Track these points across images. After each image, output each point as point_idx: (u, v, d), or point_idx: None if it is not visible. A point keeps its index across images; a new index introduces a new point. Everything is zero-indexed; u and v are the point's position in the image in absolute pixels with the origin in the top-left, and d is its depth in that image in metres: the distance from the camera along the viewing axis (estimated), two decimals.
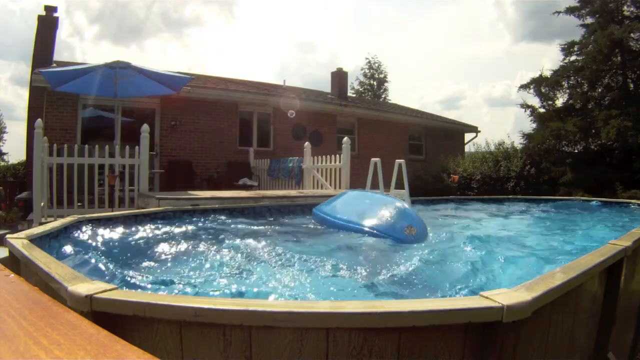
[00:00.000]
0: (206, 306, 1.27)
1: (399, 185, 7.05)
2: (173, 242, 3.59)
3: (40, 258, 1.83)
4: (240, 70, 68.41)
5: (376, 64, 33.12)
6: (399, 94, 54.01)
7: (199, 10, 51.46)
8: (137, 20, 48.66)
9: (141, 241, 3.79)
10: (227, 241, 3.66)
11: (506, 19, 49.97)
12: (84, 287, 1.39)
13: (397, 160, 7.02)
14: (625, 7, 14.60)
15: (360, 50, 69.46)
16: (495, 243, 3.82)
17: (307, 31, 58.44)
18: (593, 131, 13.81)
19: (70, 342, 0.68)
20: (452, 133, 19.38)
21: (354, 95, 27.92)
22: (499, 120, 55.51)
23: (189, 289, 2.31)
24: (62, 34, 44.27)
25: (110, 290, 1.38)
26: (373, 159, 7.28)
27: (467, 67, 59.88)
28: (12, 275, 1.20)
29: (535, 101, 15.85)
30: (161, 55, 49.57)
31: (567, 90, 15.52)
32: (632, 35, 13.89)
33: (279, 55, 57.87)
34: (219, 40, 56.52)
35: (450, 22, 55.04)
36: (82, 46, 48.04)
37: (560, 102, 15.69)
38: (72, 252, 2.90)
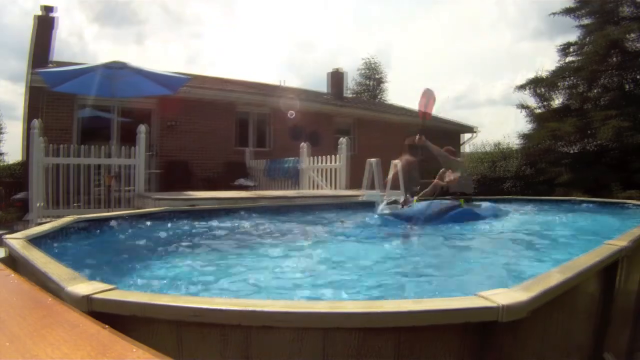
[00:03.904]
0: (204, 306, 1.27)
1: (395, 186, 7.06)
2: (170, 243, 3.59)
3: (38, 258, 1.82)
4: (239, 71, 68.14)
5: (374, 65, 33.15)
6: (399, 94, 54.03)
7: (199, 10, 51.45)
8: (137, 20, 48.66)
9: (138, 241, 3.78)
10: (223, 242, 3.66)
11: (507, 19, 50.04)
12: (82, 287, 1.39)
13: (393, 161, 7.03)
14: (622, 8, 14.64)
15: (359, 50, 69.37)
16: (495, 242, 3.83)
17: (306, 31, 58.34)
18: (590, 132, 13.84)
19: (72, 341, 0.69)
20: (450, 133, 19.37)
21: (352, 96, 27.92)
22: (500, 120, 55.60)
23: (187, 289, 2.31)
24: (62, 33, 44.11)
25: (108, 290, 1.38)
26: (369, 159, 7.29)
27: (467, 67, 59.94)
28: (13, 274, 1.20)
29: (533, 102, 15.90)
30: (161, 55, 49.40)
31: (564, 91, 15.56)
32: (629, 36, 13.94)
33: (279, 55, 57.70)
34: (219, 40, 56.46)
35: (450, 22, 55.14)
36: (81, 46, 47.92)
37: (557, 102, 15.74)
38: (70, 252, 2.89)
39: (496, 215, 5.29)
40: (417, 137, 5.47)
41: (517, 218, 5.52)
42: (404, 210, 4.92)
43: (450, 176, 5.51)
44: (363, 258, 3.21)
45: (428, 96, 5.46)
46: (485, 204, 5.46)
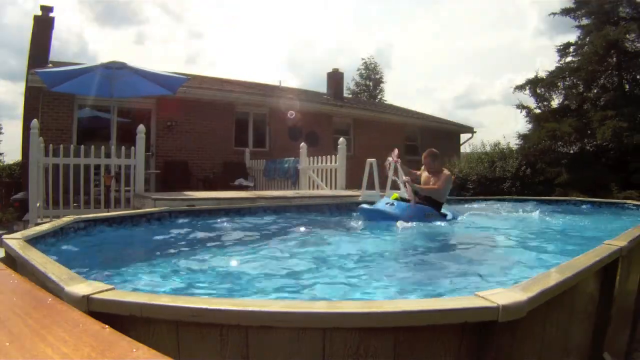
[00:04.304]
0: (203, 306, 1.27)
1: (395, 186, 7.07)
2: (169, 243, 3.59)
3: (37, 258, 1.82)
4: (239, 70, 68.11)
5: (372, 65, 33.15)
6: (399, 94, 54.04)
7: (199, 10, 51.56)
8: (138, 20, 48.75)
9: (137, 241, 3.79)
10: (222, 241, 3.66)
11: (507, 18, 50.00)
12: (81, 287, 1.39)
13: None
14: (621, 9, 14.63)
15: (359, 50, 69.29)
16: (493, 242, 3.84)
17: (306, 31, 58.33)
18: (589, 132, 13.83)
19: (76, 338, 0.69)
20: (448, 133, 19.40)
21: (350, 96, 27.92)
22: (500, 120, 55.70)
23: (185, 289, 2.31)
24: (62, 33, 44.16)
25: (107, 290, 1.38)
26: (368, 159, 7.29)
27: (467, 66, 59.94)
28: (14, 274, 1.20)
29: (532, 102, 15.88)
30: (161, 55, 49.53)
31: (563, 91, 15.54)
32: (627, 36, 13.93)
33: (279, 55, 57.73)
34: (219, 40, 56.46)
35: (450, 21, 55.15)
36: (81, 46, 47.93)
37: (555, 102, 15.72)
38: (69, 252, 2.89)
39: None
40: (406, 189, 5.55)
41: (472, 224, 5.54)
42: (384, 207, 5.04)
43: (430, 181, 5.56)
44: (351, 256, 3.22)
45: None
46: (449, 215, 5.53)
